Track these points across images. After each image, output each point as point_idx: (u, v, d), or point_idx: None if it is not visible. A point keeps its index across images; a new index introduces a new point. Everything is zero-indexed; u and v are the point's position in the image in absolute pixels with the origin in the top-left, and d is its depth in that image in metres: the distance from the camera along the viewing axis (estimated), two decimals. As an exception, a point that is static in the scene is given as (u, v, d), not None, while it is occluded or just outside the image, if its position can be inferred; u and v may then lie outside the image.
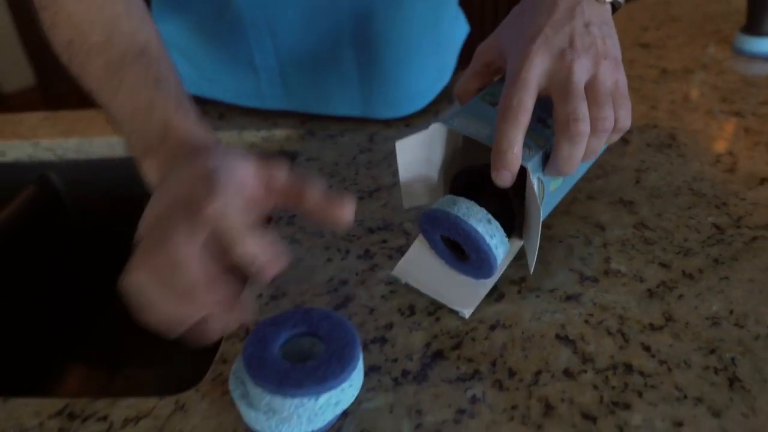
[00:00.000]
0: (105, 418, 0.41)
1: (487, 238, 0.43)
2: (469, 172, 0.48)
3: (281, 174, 0.40)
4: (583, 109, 0.42)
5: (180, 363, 0.82)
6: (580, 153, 0.43)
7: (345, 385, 0.36)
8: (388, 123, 0.74)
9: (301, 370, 0.35)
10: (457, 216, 0.43)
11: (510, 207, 0.46)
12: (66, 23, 0.52)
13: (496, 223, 0.44)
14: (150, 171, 0.45)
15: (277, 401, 0.35)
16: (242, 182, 0.38)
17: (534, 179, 0.43)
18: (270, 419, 0.36)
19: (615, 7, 0.50)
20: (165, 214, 0.37)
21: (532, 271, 0.46)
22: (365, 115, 0.74)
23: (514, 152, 0.42)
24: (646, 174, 0.60)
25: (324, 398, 0.35)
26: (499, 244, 0.44)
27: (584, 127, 0.42)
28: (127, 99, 0.47)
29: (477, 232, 0.43)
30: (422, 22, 0.71)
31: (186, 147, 0.43)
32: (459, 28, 0.84)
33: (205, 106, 0.81)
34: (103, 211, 0.85)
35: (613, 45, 0.45)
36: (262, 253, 0.35)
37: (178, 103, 0.46)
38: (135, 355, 0.85)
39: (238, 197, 0.37)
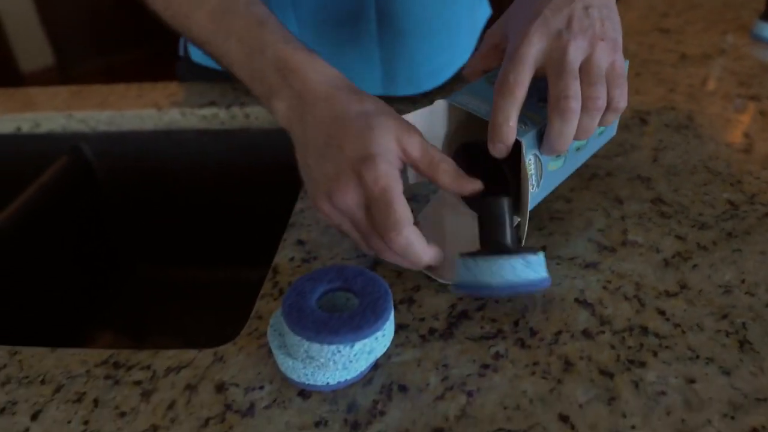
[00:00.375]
0: (148, 367, 0.44)
1: (527, 284, 0.43)
2: (468, 147, 0.50)
3: (415, 146, 0.44)
4: (574, 87, 0.44)
5: (204, 330, 0.85)
6: (571, 130, 0.44)
7: (378, 334, 0.38)
8: (412, 100, 0.76)
9: (338, 319, 0.38)
10: (498, 287, 0.42)
11: (505, 181, 0.47)
12: None
13: (522, 260, 0.42)
14: (279, 111, 0.48)
15: (315, 348, 0.37)
16: (393, 147, 0.44)
17: (530, 155, 0.45)
18: (307, 366, 0.39)
19: None
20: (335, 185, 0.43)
21: (523, 243, 0.48)
22: (386, 93, 0.76)
23: (509, 125, 0.44)
24: (663, 153, 0.62)
25: (359, 346, 0.37)
26: (531, 271, 0.43)
27: (575, 104, 0.43)
28: (239, 44, 0.49)
29: (519, 285, 0.42)
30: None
31: (312, 88, 0.46)
32: (481, 10, 0.86)
33: (235, 81, 0.83)
34: (133, 181, 0.88)
35: (612, 27, 0.47)
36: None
37: (287, 39, 0.48)
38: (160, 322, 0.88)
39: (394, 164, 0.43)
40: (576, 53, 0.44)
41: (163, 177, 0.86)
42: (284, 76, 0.47)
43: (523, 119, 0.46)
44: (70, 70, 3.38)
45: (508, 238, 0.43)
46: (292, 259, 0.52)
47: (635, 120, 0.67)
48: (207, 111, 0.80)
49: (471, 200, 0.51)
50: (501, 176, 0.47)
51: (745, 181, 0.57)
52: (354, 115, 0.45)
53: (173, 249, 0.92)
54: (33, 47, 3.25)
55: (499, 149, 0.45)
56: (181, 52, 0.91)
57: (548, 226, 0.53)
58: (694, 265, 0.48)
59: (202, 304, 0.88)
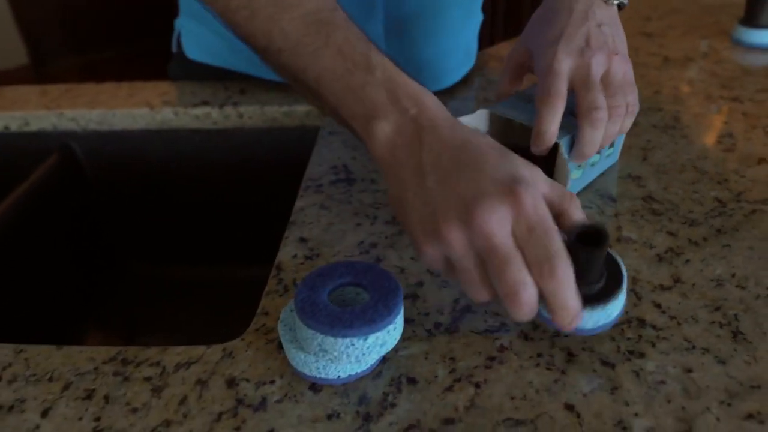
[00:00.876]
0: (158, 363, 0.44)
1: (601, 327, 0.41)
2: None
3: (574, 212, 0.39)
4: (601, 99, 0.50)
5: (195, 330, 0.85)
6: (600, 137, 0.51)
7: (390, 327, 0.39)
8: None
9: (351, 313, 0.39)
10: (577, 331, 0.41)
11: None
12: None
13: (602, 311, 0.40)
14: (382, 133, 0.42)
15: (329, 342, 0.38)
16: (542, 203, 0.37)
17: (566, 155, 0.51)
18: (320, 360, 0.39)
19: (620, 7, 0.58)
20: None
21: None
22: None
23: (551, 131, 0.50)
24: (652, 152, 0.64)
25: (372, 338, 0.38)
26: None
27: (603, 114, 0.50)
28: (339, 57, 0.44)
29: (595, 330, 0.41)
30: (450, 2, 0.74)
31: (433, 115, 0.42)
32: (476, 16, 0.87)
33: (227, 81, 0.84)
34: (123, 179, 0.87)
35: (621, 42, 0.55)
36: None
37: (395, 64, 0.44)
38: (152, 321, 0.88)
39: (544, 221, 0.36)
40: (598, 68, 0.51)
41: (155, 176, 0.86)
42: (397, 98, 0.42)
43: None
44: (45, 68, 3.33)
45: (595, 287, 0.40)
46: (295, 256, 0.53)
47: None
48: (200, 110, 0.80)
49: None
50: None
51: (731, 180, 0.59)
52: (485, 142, 0.40)
53: (165, 247, 0.92)
54: (7, 45, 3.20)
55: (542, 152, 0.51)
56: (174, 48, 0.91)
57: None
58: (687, 260, 0.50)
59: (194, 303, 0.88)
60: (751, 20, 0.87)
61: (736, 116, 0.70)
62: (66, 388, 0.43)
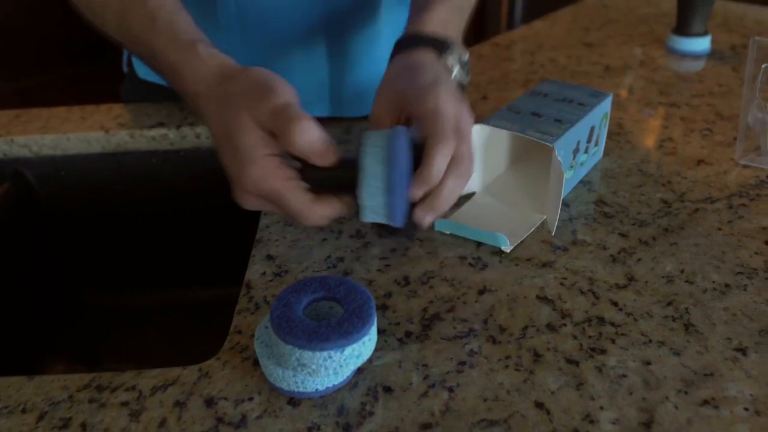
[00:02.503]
0: (133, 387, 0.44)
1: None
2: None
3: (268, 116, 0.45)
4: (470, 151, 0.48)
5: (160, 354, 0.84)
6: (461, 190, 0.47)
7: (365, 338, 0.40)
8: (359, 121, 0.78)
9: (326, 327, 0.40)
10: None
11: None
12: None
13: None
14: (195, 109, 0.51)
15: (307, 356, 0.39)
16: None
17: (559, 158, 0.54)
18: (298, 374, 0.40)
19: (461, 86, 0.57)
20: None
21: (553, 233, 0.55)
22: (334, 114, 0.78)
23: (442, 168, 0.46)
24: (600, 158, 0.67)
25: (348, 350, 0.40)
26: None
27: (471, 167, 0.47)
28: (140, 48, 0.54)
29: None
30: (391, 19, 0.76)
31: (193, 91, 0.50)
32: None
33: (181, 101, 0.84)
34: (78, 205, 0.86)
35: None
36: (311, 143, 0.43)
37: (172, 37, 0.52)
38: (114, 349, 0.86)
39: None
40: (469, 120, 0.49)
41: (111, 200, 0.85)
42: (177, 81, 0.51)
43: (547, 132, 0.56)
44: (19, 83, 3.22)
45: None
46: (263, 273, 0.54)
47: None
48: (156, 132, 0.80)
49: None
50: None
51: (674, 181, 0.63)
52: (224, 111, 0.47)
53: (125, 273, 0.91)
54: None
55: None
56: (125, 68, 0.91)
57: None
58: (638, 259, 0.53)
59: (157, 328, 0.87)
60: (682, 29, 0.92)
61: (674, 121, 0.74)
62: (41, 418, 0.42)
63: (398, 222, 0.44)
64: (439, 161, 0.45)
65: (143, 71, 0.85)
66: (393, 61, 0.56)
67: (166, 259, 0.90)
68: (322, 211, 0.45)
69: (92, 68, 3.24)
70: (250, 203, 0.47)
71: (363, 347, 0.40)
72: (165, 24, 0.53)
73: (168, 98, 0.84)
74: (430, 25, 0.57)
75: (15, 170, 0.83)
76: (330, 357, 0.39)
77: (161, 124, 0.80)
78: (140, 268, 0.91)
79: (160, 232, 0.88)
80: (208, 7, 0.73)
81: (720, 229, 0.56)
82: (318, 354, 0.39)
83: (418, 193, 0.45)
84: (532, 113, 0.59)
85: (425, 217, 0.45)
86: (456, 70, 0.56)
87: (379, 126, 0.52)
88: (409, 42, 0.56)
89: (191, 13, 0.66)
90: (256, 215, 0.65)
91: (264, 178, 0.44)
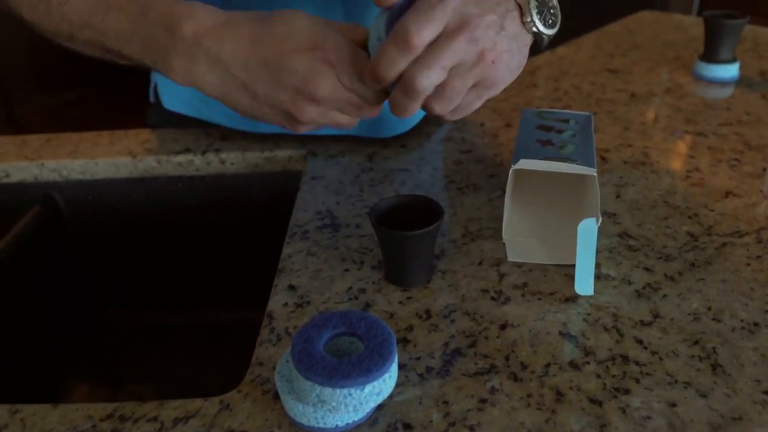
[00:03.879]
0: (155, 418, 0.45)
1: None
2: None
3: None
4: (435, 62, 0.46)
5: (183, 376, 0.85)
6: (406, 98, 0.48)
7: (386, 375, 0.40)
8: (384, 143, 0.79)
9: (347, 363, 0.40)
10: None
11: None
12: None
13: None
14: (178, 68, 0.49)
15: (327, 393, 0.39)
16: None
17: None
18: (318, 410, 0.40)
19: (538, 42, 0.53)
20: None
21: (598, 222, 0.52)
22: (360, 134, 0.79)
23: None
24: (625, 189, 0.66)
25: (369, 388, 0.39)
26: None
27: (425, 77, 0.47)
28: (121, 13, 0.50)
29: None
30: None
31: (208, 25, 0.48)
32: None
33: (208, 128, 0.85)
34: (105, 228, 0.87)
35: (506, 64, 0.49)
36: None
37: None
38: (136, 368, 0.87)
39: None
40: (462, 47, 0.46)
41: (138, 223, 0.86)
42: (173, 30, 0.48)
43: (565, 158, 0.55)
44: (12, 110, 3.31)
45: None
46: (285, 304, 0.54)
47: (596, 158, 0.72)
48: (182, 158, 0.81)
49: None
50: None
51: (701, 214, 0.62)
52: (267, 22, 0.48)
53: (149, 295, 0.92)
54: (-25, 88, 3.17)
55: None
56: (151, 99, 0.92)
57: (527, 263, 0.56)
58: (664, 295, 0.52)
59: (180, 349, 0.88)
60: (710, 56, 0.91)
61: (701, 150, 0.74)
62: (64, 448, 0.43)
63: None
64: (415, 19, 0.44)
65: (168, 101, 0.86)
66: None
67: (188, 281, 0.91)
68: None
69: (120, 84, 3.31)
70: (326, 94, 0.48)
71: (383, 384, 0.40)
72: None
73: (192, 126, 0.86)
74: None
75: (45, 194, 0.85)
76: (350, 394, 0.39)
77: (187, 150, 0.82)
78: (163, 290, 0.92)
79: (183, 255, 0.89)
80: None
81: (749, 264, 0.55)
82: (338, 391, 0.39)
83: (390, 47, 0.45)
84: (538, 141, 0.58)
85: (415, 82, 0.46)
86: (534, 11, 0.50)
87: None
88: None
89: None
90: (277, 240, 0.66)
91: (342, 39, 0.47)
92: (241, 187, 0.82)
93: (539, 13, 0.51)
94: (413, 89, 0.46)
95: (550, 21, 0.52)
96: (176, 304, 0.92)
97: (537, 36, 0.52)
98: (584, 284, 0.52)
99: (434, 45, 0.46)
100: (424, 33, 0.45)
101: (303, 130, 0.53)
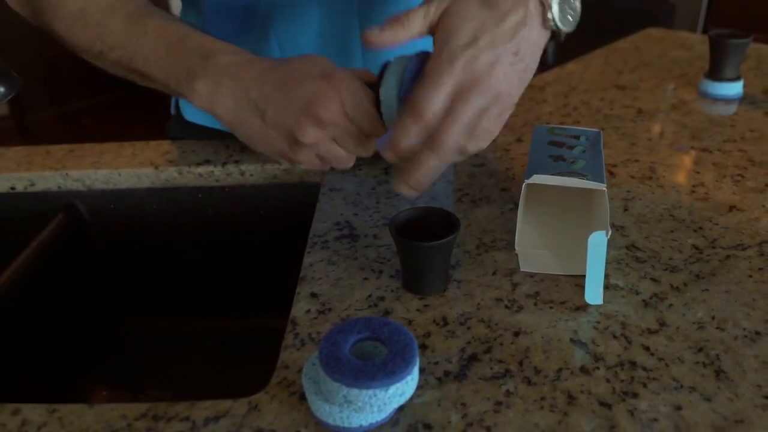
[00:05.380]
0: (187, 418, 0.47)
1: None
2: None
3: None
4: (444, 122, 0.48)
5: (198, 383, 0.87)
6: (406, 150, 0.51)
7: (409, 378, 0.43)
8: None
9: (372, 366, 0.42)
10: None
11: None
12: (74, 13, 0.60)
13: None
14: (201, 90, 0.54)
15: (353, 393, 0.42)
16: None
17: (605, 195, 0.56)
18: (344, 410, 0.43)
19: (554, 35, 0.53)
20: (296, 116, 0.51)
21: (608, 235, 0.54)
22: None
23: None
24: (632, 202, 0.69)
25: (393, 389, 0.42)
26: None
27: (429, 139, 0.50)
28: (158, 39, 0.56)
29: None
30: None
31: (240, 59, 0.54)
32: None
33: (227, 140, 0.88)
34: (126, 237, 0.90)
35: (521, 80, 0.49)
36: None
37: (204, 34, 0.56)
38: (155, 376, 0.90)
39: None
40: (477, 101, 0.47)
41: (157, 232, 0.89)
42: (206, 57, 0.54)
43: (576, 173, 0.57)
44: (25, 118, 3.35)
45: None
46: (308, 311, 0.56)
47: (605, 173, 0.75)
48: (203, 169, 0.84)
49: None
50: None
51: (706, 227, 0.65)
52: (290, 60, 0.53)
53: (169, 302, 0.95)
54: (-13, 97, 3.21)
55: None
56: (173, 111, 0.95)
57: (539, 273, 0.59)
58: (670, 305, 0.55)
59: (195, 356, 0.90)
60: (715, 74, 0.93)
61: (706, 166, 0.76)
62: (102, 445, 0.45)
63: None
64: (426, 91, 0.46)
65: (189, 113, 0.89)
66: None
67: (206, 289, 0.93)
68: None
69: (132, 94, 3.35)
70: (329, 117, 0.51)
71: (406, 386, 0.43)
72: (193, 26, 0.58)
73: (212, 138, 0.89)
74: None
75: (68, 203, 0.88)
76: (375, 395, 0.42)
77: (208, 161, 0.84)
78: (182, 297, 0.94)
79: (202, 264, 0.92)
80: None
81: (751, 276, 0.58)
82: (364, 392, 0.42)
83: (405, 121, 0.47)
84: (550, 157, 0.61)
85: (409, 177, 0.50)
86: (555, 7, 0.50)
87: (405, 25, 0.52)
88: None
89: None
90: (294, 249, 0.68)
91: (347, 77, 0.51)
92: (260, 197, 0.85)
93: (561, 11, 0.50)
94: (443, 147, 0.48)
95: (570, 17, 0.52)
96: (195, 312, 0.95)
97: (555, 32, 0.52)
98: (594, 294, 0.55)
99: (451, 110, 0.47)
100: (435, 105, 0.47)
101: (302, 157, 0.55)
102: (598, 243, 0.52)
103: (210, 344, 0.91)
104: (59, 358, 0.84)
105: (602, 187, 0.56)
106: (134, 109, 3.40)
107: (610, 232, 0.54)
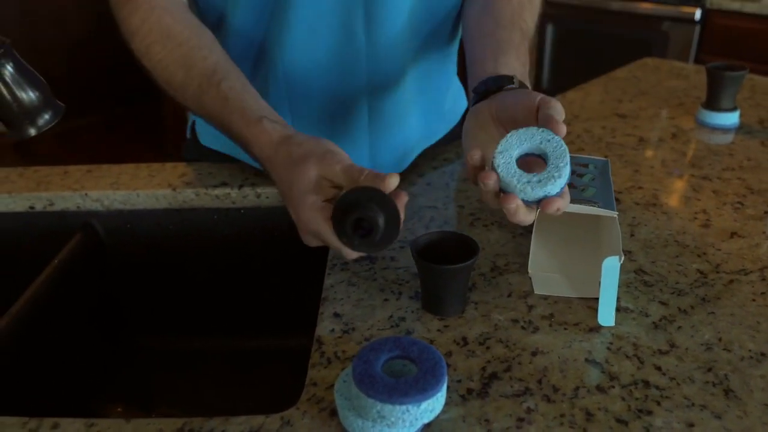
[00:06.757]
0: (221, 432, 0.49)
1: None
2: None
3: (336, 173, 0.57)
4: None
5: (209, 402, 0.89)
6: None
7: (438, 394, 0.45)
8: (410, 180, 0.84)
9: (405, 383, 0.45)
10: None
11: None
12: (159, 68, 0.68)
13: None
14: (266, 171, 0.64)
15: (387, 409, 0.44)
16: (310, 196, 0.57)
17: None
18: (377, 425, 0.45)
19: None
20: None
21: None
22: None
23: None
24: (638, 228, 0.72)
25: (424, 405, 0.44)
26: None
27: None
28: (216, 122, 0.66)
29: None
30: (420, 88, 0.84)
31: (264, 157, 0.62)
32: (459, 100, 0.96)
33: (242, 164, 0.91)
34: (142, 257, 0.92)
35: None
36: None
37: (242, 112, 0.63)
38: (167, 395, 0.91)
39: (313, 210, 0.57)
40: None
41: (172, 252, 0.91)
42: (249, 149, 0.63)
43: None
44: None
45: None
46: (332, 330, 0.59)
47: (610, 198, 0.78)
48: (220, 191, 0.86)
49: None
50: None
51: (709, 253, 0.68)
52: (285, 171, 0.59)
53: (180, 321, 0.96)
54: (-15, 115, 3.22)
55: None
56: (188, 135, 0.98)
57: (553, 296, 0.62)
58: (679, 327, 0.58)
59: (209, 377, 0.92)
60: (712, 104, 0.97)
61: (707, 193, 0.79)
62: (140, 458, 0.47)
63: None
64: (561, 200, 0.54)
65: (205, 138, 0.92)
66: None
67: (220, 309, 0.95)
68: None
69: (130, 112, 3.38)
70: (309, 241, 0.60)
71: (436, 402, 0.45)
72: (236, 103, 0.64)
73: (225, 161, 0.91)
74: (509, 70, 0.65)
75: (85, 222, 0.90)
76: (408, 411, 0.44)
77: (224, 184, 0.87)
78: (196, 317, 0.96)
79: (216, 284, 0.94)
80: (260, 89, 0.80)
81: (754, 300, 0.61)
82: (397, 407, 0.44)
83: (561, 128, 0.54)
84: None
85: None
86: None
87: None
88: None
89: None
90: (308, 271, 0.71)
91: (310, 219, 0.57)
92: (275, 219, 0.88)
93: None
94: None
95: None
96: (206, 332, 0.96)
97: None
98: (607, 316, 0.57)
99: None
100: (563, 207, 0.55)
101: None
102: (611, 267, 0.55)
103: (222, 363, 0.93)
104: (75, 376, 0.85)
105: (613, 214, 0.59)
106: (132, 127, 3.42)
107: (623, 258, 0.56)
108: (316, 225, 0.57)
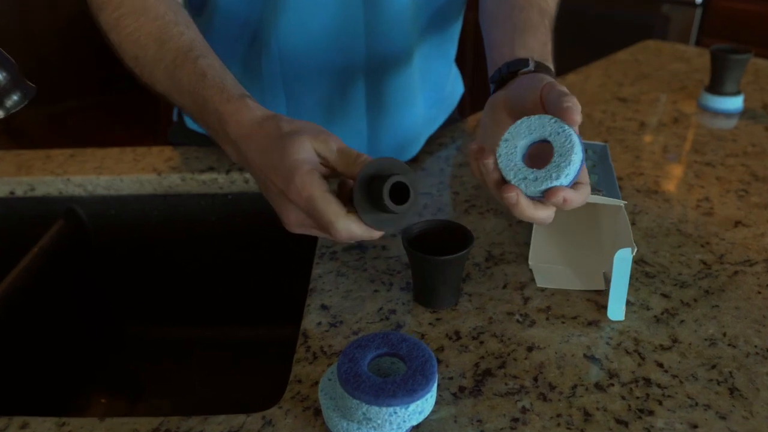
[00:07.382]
0: None
1: None
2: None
3: (331, 150, 0.52)
4: None
5: (198, 392, 0.86)
6: None
7: (428, 395, 0.42)
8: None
9: (392, 383, 0.42)
10: None
11: None
12: (129, 41, 0.63)
13: None
14: (231, 155, 0.58)
15: (373, 411, 0.41)
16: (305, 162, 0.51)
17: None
18: (362, 427, 0.43)
19: None
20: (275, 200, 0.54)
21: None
22: None
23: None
24: (639, 216, 0.69)
25: (413, 406, 0.42)
26: None
27: None
28: (187, 99, 0.59)
29: None
30: (424, 69, 0.80)
31: (242, 133, 0.55)
32: (458, 86, 0.93)
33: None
34: (126, 243, 0.89)
35: None
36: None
37: (222, 89, 0.57)
38: (155, 384, 0.89)
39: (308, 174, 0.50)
40: None
41: (158, 238, 0.88)
42: (223, 126, 0.56)
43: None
44: (12, 119, 3.31)
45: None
46: (319, 323, 0.56)
47: (610, 185, 0.75)
48: (207, 176, 0.83)
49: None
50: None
51: (713, 243, 0.65)
52: (273, 142, 0.53)
53: (169, 310, 0.94)
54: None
55: None
56: (175, 118, 0.95)
57: (550, 288, 0.59)
58: (681, 321, 0.55)
59: (195, 364, 0.90)
60: (716, 88, 0.94)
61: (710, 180, 0.77)
62: (114, 460, 0.45)
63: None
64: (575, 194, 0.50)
65: (191, 121, 0.89)
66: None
67: (208, 297, 0.92)
68: (350, 226, 0.49)
69: (121, 95, 3.33)
70: (294, 223, 0.53)
71: (425, 403, 0.43)
72: (215, 80, 0.58)
73: (212, 146, 0.88)
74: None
75: (68, 208, 0.87)
76: (395, 413, 0.41)
77: (211, 169, 0.84)
78: (183, 305, 0.93)
79: (203, 272, 0.91)
80: (253, 69, 0.77)
81: (759, 292, 0.58)
82: (384, 410, 0.41)
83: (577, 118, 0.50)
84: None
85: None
86: None
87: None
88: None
89: (236, 74, 0.71)
90: (298, 259, 0.68)
91: (305, 185, 0.49)
92: (263, 205, 0.84)
93: None
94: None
95: None
96: (194, 320, 0.94)
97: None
98: (617, 310, 0.55)
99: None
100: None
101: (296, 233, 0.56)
102: (623, 260, 0.53)
103: (210, 353, 0.91)
104: (58, 365, 0.83)
105: (621, 203, 0.56)
106: (124, 110, 3.37)
107: (636, 249, 0.54)
108: (311, 189, 0.49)
